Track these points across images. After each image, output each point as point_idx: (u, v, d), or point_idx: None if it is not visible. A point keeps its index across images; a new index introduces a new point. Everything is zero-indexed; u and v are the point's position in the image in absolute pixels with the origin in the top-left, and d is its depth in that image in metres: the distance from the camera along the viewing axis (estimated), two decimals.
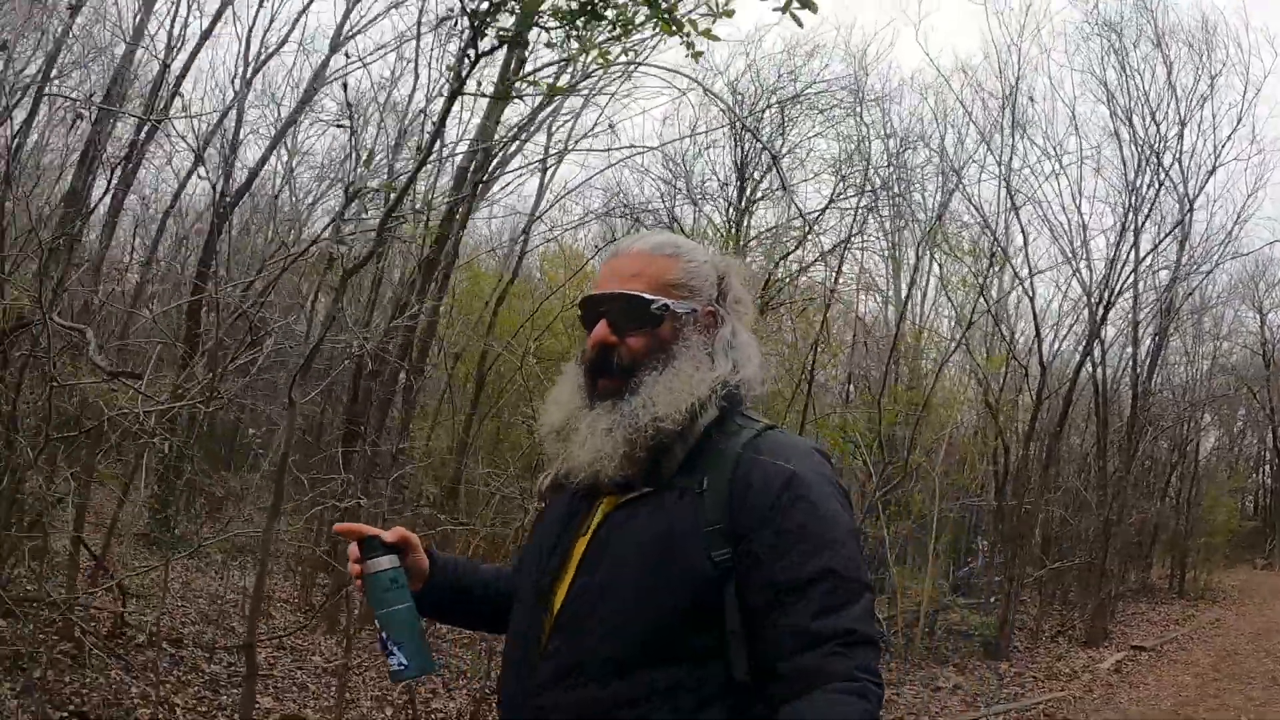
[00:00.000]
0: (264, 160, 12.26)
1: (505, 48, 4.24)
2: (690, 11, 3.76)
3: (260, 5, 11.35)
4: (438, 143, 4.32)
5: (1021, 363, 14.30)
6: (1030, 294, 13.39)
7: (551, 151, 9.86)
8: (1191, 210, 14.01)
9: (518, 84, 5.36)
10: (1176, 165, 13.64)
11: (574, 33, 3.56)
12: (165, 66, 10.34)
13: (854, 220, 11.91)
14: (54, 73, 9.74)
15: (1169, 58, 13.45)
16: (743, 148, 12.48)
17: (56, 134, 12.19)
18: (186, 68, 10.65)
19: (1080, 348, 13.77)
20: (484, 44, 3.55)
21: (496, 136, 7.83)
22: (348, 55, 8.92)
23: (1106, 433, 14.66)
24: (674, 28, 3.47)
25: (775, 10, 3.29)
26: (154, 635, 5.50)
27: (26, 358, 5.25)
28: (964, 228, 14.57)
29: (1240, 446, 28.77)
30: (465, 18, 3.38)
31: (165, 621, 6.91)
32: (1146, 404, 15.75)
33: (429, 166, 7.97)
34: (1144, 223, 13.43)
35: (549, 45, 3.65)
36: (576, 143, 9.97)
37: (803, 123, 12.65)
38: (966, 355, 15.17)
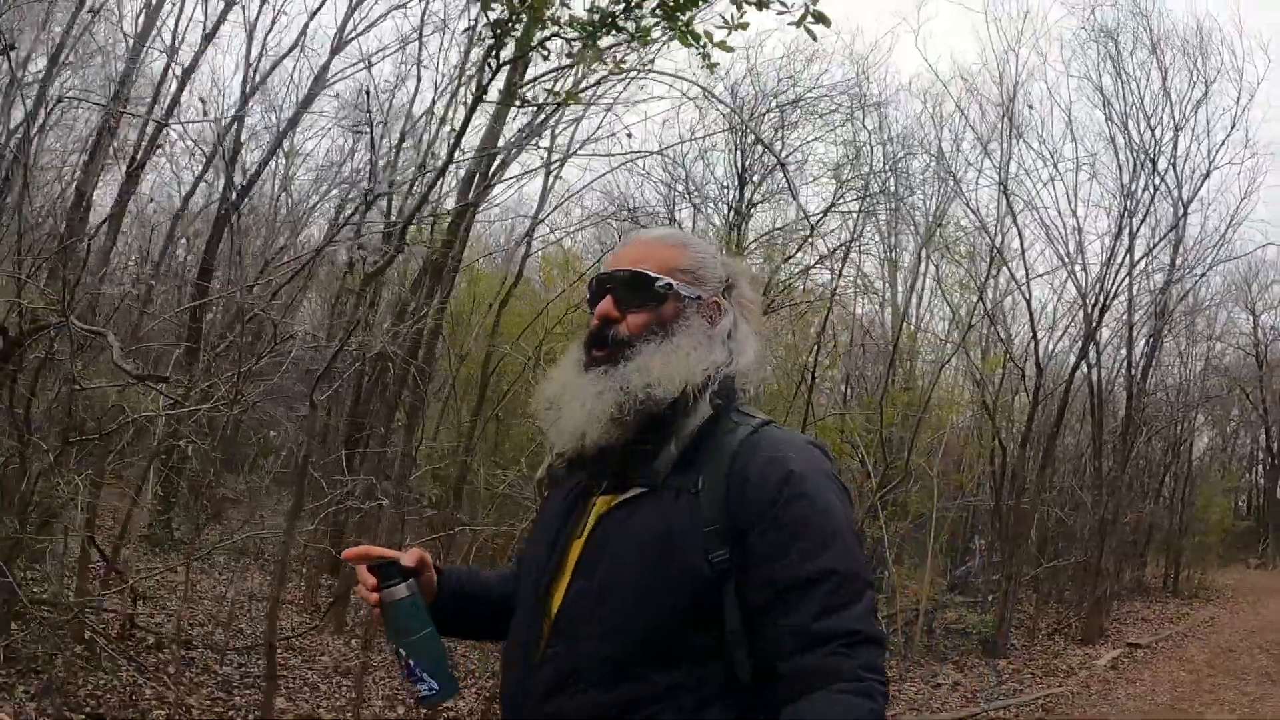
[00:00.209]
0: (265, 163, 12.31)
1: (488, 51, 4.32)
2: (701, 16, 3.85)
3: (263, 5, 11.43)
4: (457, 151, 4.39)
5: (1018, 364, 14.42)
6: (1027, 296, 13.52)
7: (555, 156, 9.94)
8: (1186, 214, 14.18)
9: (535, 91, 5.45)
10: (1171, 170, 13.81)
11: (592, 43, 3.63)
12: (172, 70, 10.38)
13: (856, 223, 12.01)
14: (55, 71, 9.78)
15: (1164, 64, 13.58)
16: (743, 151, 12.56)
17: (55, 135, 12.24)
18: (192, 68, 10.67)
19: (1076, 349, 13.90)
20: (505, 54, 3.62)
21: (503, 141, 7.91)
22: (369, 64, 8.91)
23: (1101, 433, 14.76)
24: (691, 39, 3.55)
25: (790, 24, 3.37)
26: (170, 638, 5.54)
27: (42, 360, 5.29)
28: (962, 232, 14.68)
29: (1233, 447, 28.92)
30: (489, 28, 3.44)
31: (176, 624, 6.96)
32: (1141, 405, 15.89)
33: (420, 170, 8.04)
34: (1139, 226, 13.57)
35: (570, 56, 3.71)
36: (581, 146, 10.04)
37: (802, 127, 12.73)
38: (963, 357, 15.29)
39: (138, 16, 10.57)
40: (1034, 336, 13.38)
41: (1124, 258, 13.41)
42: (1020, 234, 13.46)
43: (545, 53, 3.66)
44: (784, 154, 11.80)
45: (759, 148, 12.10)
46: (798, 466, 1.43)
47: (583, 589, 1.46)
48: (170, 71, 10.77)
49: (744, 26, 3.67)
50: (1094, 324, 13.26)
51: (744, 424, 1.50)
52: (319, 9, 11.53)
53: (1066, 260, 13.54)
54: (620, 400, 1.47)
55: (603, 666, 1.40)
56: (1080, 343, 13.58)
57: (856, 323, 15.91)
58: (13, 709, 4.71)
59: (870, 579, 1.43)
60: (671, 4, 3.41)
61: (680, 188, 13.08)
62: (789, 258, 11.05)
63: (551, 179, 11.03)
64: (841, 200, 12.30)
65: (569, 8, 3.39)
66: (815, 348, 9.51)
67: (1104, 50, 13.74)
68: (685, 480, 1.45)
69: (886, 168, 13.16)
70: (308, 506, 6.21)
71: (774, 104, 11.90)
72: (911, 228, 15.49)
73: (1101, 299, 13.19)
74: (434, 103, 10.27)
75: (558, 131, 10.25)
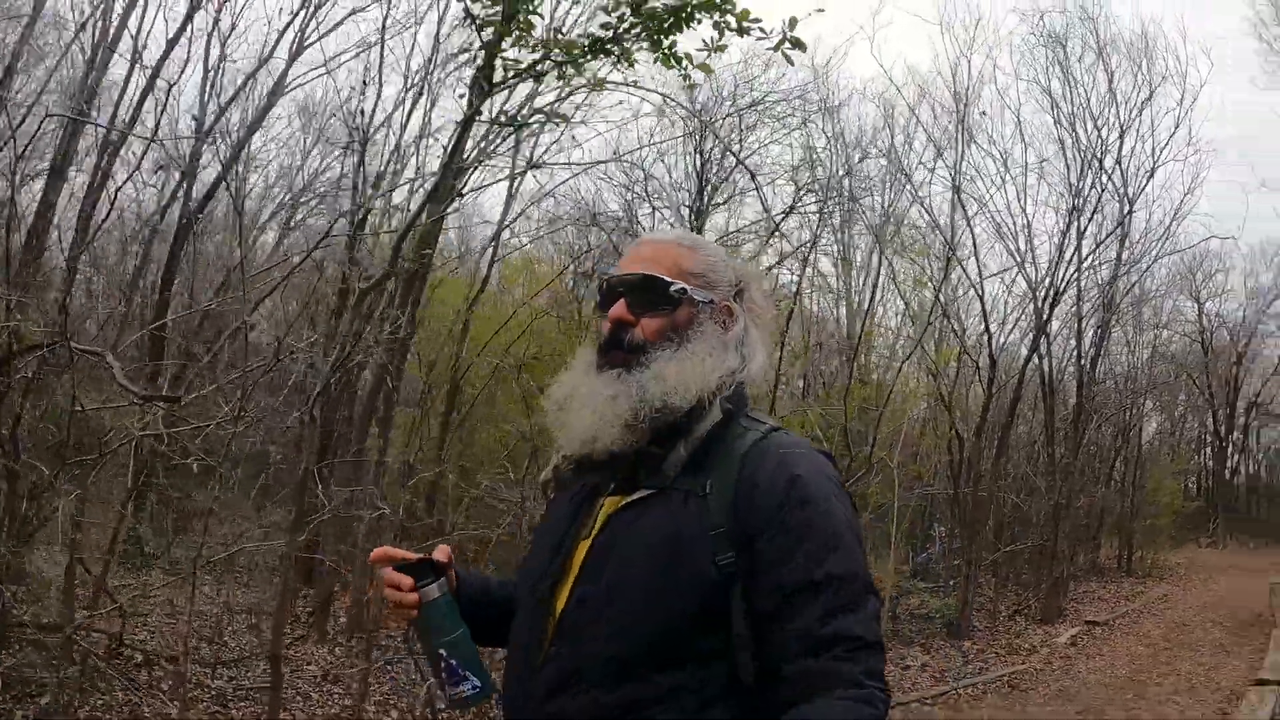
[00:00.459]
0: (226, 171, 12.24)
1: (479, 72, 4.48)
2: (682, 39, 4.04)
3: (219, 13, 11.36)
4: (449, 171, 4.54)
5: (972, 357, 14.82)
6: (980, 293, 13.92)
7: (519, 165, 10.08)
8: (1132, 210, 14.71)
9: (522, 112, 5.61)
10: (1118, 168, 14.31)
11: (579, 67, 3.81)
12: (135, 79, 10.32)
13: (817, 223, 12.30)
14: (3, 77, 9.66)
15: (1110, 68, 14.07)
16: (702, 153, 12.78)
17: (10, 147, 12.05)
18: (153, 79, 10.62)
19: (1027, 341, 14.34)
20: (496, 75, 3.79)
21: (472, 150, 8.03)
22: (367, 84, 8.93)
23: (1054, 421, 15.21)
24: (674, 62, 3.75)
25: (769, 50, 3.60)
26: (168, 654, 5.60)
27: (30, 380, 5.30)
28: (916, 230, 15.04)
29: (1181, 430, 29.85)
30: (482, 50, 3.60)
31: (160, 640, 6.97)
32: (1091, 393, 16.43)
33: (414, 183, 8.15)
34: (1087, 224, 14.05)
35: (560, 78, 3.89)
36: (544, 154, 10.19)
37: (759, 129, 12.99)
38: (920, 350, 15.65)
39: (95, 25, 10.49)
40: (987, 330, 13.80)
41: (1073, 253, 13.90)
42: (973, 233, 13.88)
43: (533, 73, 3.83)
44: (743, 156, 12.06)
45: (717, 150, 12.35)
46: (804, 472, 1.44)
47: (588, 592, 1.45)
48: (132, 81, 10.70)
49: (723, 49, 3.88)
50: (1044, 317, 13.72)
51: (753, 429, 1.51)
52: (286, 26, 11.41)
53: (1017, 256, 13.98)
54: (636, 407, 1.47)
55: (606, 667, 1.40)
56: (1032, 335, 14.04)
57: (813, 319, 16.23)
58: None
59: (872, 584, 1.44)
60: (656, 31, 3.60)
61: (639, 189, 13.27)
62: (753, 257, 11.29)
63: (516, 185, 11.19)
64: (800, 201, 12.59)
65: (563, 34, 3.56)
66: (781, 345, 9.73)
67: (1053, 55, 14.19)
68: (694, 483, 1.45)
69: (840, 171, 13.47)
70: (290, 517, 6.30)
71: (732, 108, 12.14)
72: (867, 227, 15.82)
73: (1051, 293, 13.66)
74: (397, 107, 10.38)
75: (522, 139, 10.39)
